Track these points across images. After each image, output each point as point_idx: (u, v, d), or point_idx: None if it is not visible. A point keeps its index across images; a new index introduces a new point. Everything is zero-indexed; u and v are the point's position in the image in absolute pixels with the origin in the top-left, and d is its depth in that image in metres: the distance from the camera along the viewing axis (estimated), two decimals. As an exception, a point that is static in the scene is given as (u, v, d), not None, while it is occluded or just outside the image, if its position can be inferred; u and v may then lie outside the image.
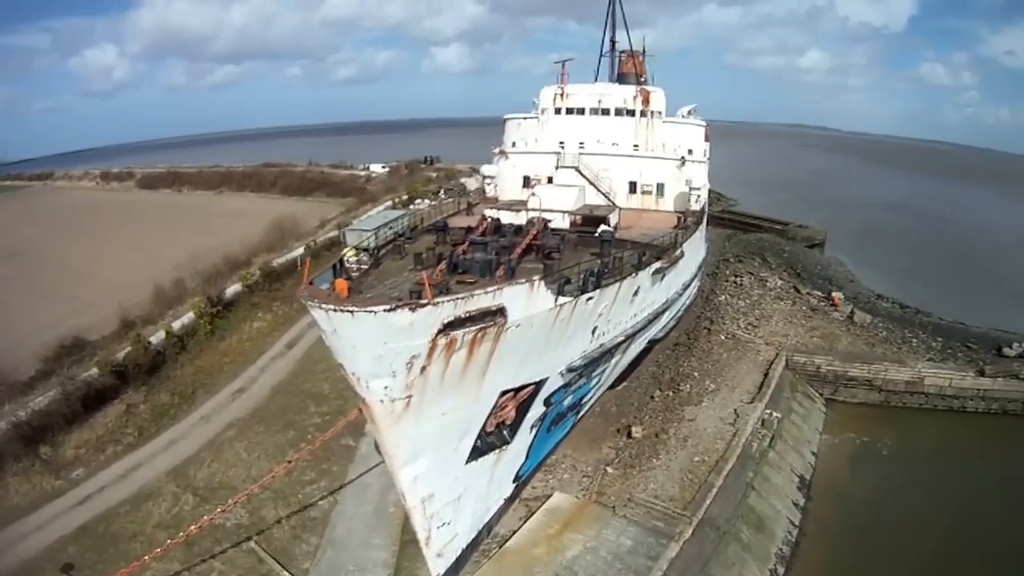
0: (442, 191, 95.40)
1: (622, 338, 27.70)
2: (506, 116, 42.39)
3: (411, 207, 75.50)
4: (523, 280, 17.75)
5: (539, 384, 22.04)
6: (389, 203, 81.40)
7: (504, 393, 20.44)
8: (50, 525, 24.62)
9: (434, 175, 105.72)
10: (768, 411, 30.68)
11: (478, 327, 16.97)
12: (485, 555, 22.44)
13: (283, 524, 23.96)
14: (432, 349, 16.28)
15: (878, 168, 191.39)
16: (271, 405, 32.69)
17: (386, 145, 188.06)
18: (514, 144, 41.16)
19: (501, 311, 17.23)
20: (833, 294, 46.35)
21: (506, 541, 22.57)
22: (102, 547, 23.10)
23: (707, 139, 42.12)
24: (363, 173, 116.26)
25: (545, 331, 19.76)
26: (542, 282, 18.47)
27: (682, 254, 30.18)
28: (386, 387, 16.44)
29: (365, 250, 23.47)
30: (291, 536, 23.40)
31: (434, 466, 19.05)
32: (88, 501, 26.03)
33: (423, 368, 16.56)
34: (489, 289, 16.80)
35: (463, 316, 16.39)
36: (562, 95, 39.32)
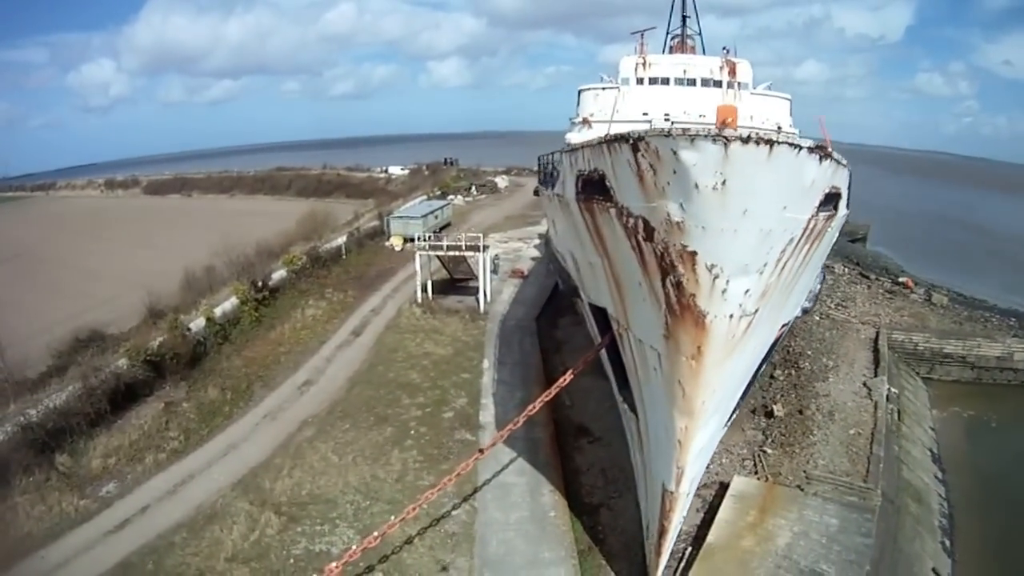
0: (473, 188, 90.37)
1: (818, 286, 22.90)
2: (580, 87, 38.54)
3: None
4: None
5: (784, 326, 16.01)
6: (424, 197, 75.43)
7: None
8: (78, 560, 17.65)
9: (462, 175, 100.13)
10: (887, 386, 28.76)
11: (828, 214, 11.25)
12: (673, 556, 16.90)
13: (414, 544, 17.20)
14: (803, 233, 10.71)
15: (888, 176, 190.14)
16: (352, 398, 25.90)
17: (391, 157, 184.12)
18: (592, 115, 36.85)
19: (836, 198, 11.33)
20: (904, 278, 45.37)
21: (696, 537, 17.96)
22: (157, 591, 16.19)
23: (790, 114, 38.40)
24: (382, 175, 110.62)
25: (828, 242, 13.60)
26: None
27: None
28: (747, 292, 10.53)
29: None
30: (431, 560, 16.72)
31: (710, 437, 13.53)
32: (127, 527, 19.04)
33: (785, 264, 10.80)
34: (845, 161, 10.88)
35: (830, 192, 10.86)
36: (644, 64, 35.77)
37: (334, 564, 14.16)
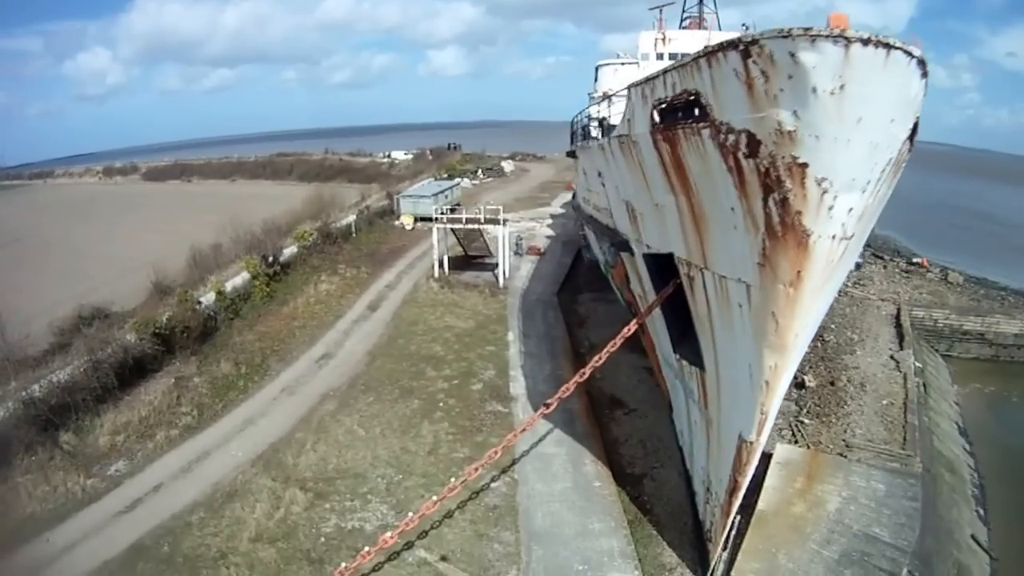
0: (480, 171, 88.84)
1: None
2: (599, 63, 38.89)
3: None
4: None
5: (850, 272, 15.06)
6: (431, 179, 73.94)
7: None
8: (86, 544, 16.22)
9: (467, 159, 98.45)
10: (913, 359, 28.68)
11: (910, 145, 10.56)
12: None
13: (455, 519, 15.90)
14: (897, 155, 10.01)
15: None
16: (374, 371, 24.48)
17: (391, 145, 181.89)
18: (611, 89, 36.01)
19: (915, 130, 10.47)
20: (919, 258, 45.63)
21: (743, 504, 16.84)
22: None
23: None
24: (385, 160, 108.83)
25: (896, 181, 12.59)
26: None
27: None
28: (851, 210, 9.73)
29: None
30: (474, 535, 15.42)
31: (789, 382, 12.35)
32: (139, 507, 17.60)
33: (880, 188, 10.20)
34: None
35: (918, 119, 10.37)
36: (663, 40, 35.86)
37: (389, 534, 12.84)
